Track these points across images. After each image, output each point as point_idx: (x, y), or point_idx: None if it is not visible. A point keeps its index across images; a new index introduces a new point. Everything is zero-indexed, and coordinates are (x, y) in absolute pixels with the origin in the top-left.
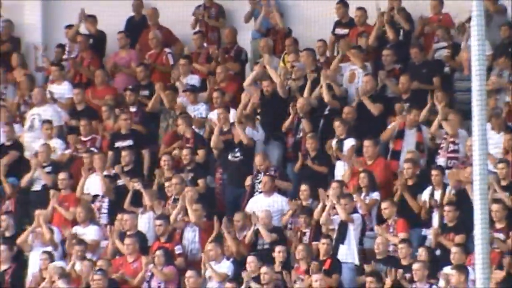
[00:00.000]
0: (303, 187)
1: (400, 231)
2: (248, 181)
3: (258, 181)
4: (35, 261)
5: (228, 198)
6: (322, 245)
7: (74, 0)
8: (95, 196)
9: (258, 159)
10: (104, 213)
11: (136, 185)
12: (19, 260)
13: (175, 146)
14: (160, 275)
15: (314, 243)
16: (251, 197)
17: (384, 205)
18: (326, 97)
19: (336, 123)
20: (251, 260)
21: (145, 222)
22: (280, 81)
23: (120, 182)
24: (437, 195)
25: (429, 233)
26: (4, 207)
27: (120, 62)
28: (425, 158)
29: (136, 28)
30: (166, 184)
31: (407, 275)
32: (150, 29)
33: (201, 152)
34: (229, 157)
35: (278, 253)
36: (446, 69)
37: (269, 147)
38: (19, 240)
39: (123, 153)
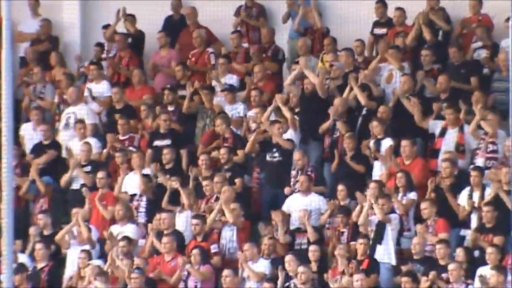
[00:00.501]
0: (340, 187)
1: (440, 231)
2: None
3: (296, 180)
4: (72, 259)
5: (265, 198)
6: (359, 245)
7: None
8: (133, 195)
9: (296, 155)
10: (142, 212)
11: (174, 183)
12: (56, 258)
13: (214, 146)
14: (196, 274)
15: (351, 243)
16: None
17: (423, 205)
18: (361, 99)
19: (374, 123)
20: (289, 259)
21: (183, 221)
22: (319, 82)
23: (158, 180)
24: (476, 196)
25: (468, 234)
26: (38, 206)
27: (160, 61)
28: (466, 159)
29: (175, 27)
30: (204, 183)
31: (444, 275)
32: (189, 29)
33: (240, 152)
34: (267, 157)
35: (311, 252)
36: (486, 70)
37: (307, 148)
38: (57, 237)
39: (165, 151)
